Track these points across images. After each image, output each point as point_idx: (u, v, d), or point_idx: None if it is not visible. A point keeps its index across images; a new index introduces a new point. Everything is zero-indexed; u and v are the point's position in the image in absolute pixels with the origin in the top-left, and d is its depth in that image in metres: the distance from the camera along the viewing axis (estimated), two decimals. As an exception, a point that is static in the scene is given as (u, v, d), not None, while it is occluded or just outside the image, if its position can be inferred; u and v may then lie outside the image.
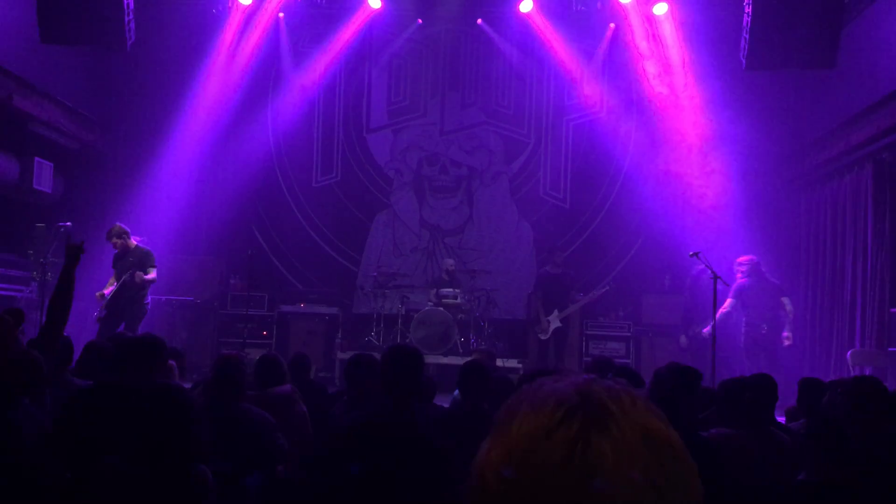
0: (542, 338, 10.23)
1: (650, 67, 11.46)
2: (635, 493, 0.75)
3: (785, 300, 9.07)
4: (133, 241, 8.52)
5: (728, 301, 8.91)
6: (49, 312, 3.91)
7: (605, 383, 0.84)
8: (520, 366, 10.19)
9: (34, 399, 3.37)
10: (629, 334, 10.81)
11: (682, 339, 9.81)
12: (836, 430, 3.00)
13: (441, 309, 10.48)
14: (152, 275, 8.41)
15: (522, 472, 0.77)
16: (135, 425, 2.55)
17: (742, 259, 9.20)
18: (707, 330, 8.58)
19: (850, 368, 8.67)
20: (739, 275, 9.08)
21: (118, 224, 8.56)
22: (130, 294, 8.30)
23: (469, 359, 5.19)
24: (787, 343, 8.96)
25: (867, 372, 8.74)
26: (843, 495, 2.82)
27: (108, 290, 8.31)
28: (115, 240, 8.39)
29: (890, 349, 8.29)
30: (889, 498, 2.87)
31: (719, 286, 7.87)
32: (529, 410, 0.81)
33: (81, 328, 8.51)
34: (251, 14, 11.65)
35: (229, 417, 3.70)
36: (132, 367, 3.69)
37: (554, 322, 10.12)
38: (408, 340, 10.55)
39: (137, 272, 8.22)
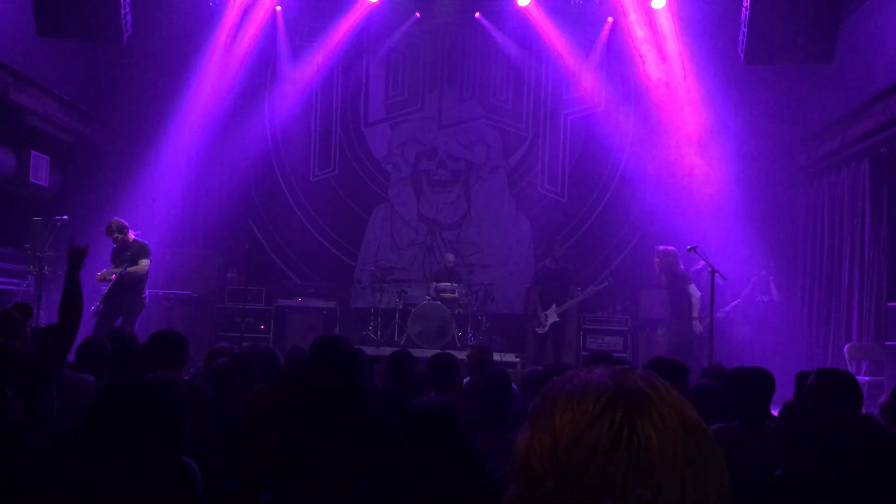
0: (539, 332, 10.21)
1: (648, 62, 11.45)
2: (678, 473, 0.82)
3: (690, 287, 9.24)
4: (131, 236, 8.51)
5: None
6: (61, 317, 3.88)
7: (639, 372, 0.90)
8: (517, 360, 10.19)
9: (21, 392, 3.36)
10: (626, 328, 10.82)
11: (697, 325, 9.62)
12: (810, 424, 3.00)
13: (439, 303, 10.49)
14: (137, 267, 8.30)
15: (572, 458, 0.83)
16: (131, 421, 2.54)
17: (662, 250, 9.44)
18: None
19: (848, 363, 8.69)
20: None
21: (117, 219, 8.53)
22: (128, 288, 8.28)
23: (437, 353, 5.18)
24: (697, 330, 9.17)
25: (864, 366, 8.76)
26: (816, 490, 2.82)
27: (105, 284, 8.28)
28: (115, 235, 8.37)
29: (887, 343, 8.30)
30: (859, 492, 2.87)
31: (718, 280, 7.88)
32: (569, 400, 0.87)
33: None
34: (248, 7, 11.62)
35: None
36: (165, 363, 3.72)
37: (552, 317, 10.10)
38: (405, 335, 10.56)
39: (128, 269, 8.20)
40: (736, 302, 9.82)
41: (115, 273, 8.18)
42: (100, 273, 8.29)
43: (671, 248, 9.38)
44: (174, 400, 2.64)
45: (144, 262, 8.36)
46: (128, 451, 2.47)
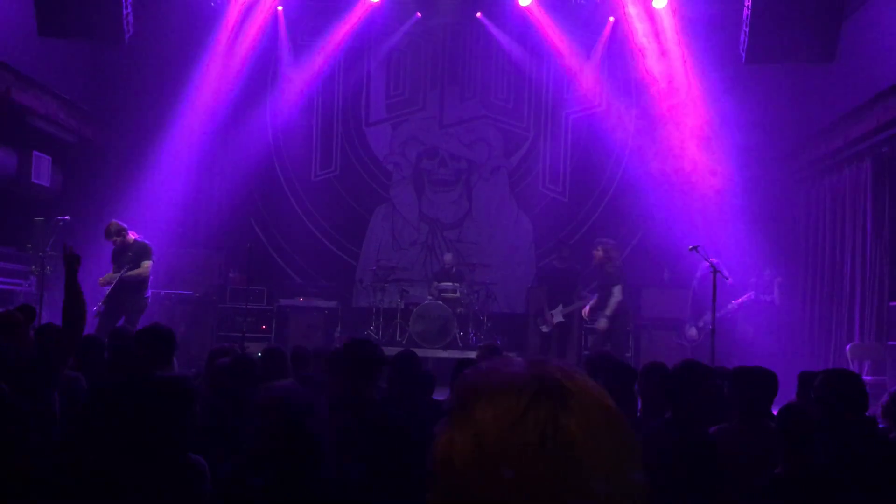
0: (544, 330, 10.11)
1: (650, 61, 11.44)
2: (603, 467, 0.82)
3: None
4: (132, 236, 8.51)
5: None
6: (65, 319, 3.90)
7: (555, 363, 0.89)
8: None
9: (24, 393, 3.36)
10: (629, 329, 10.80)
11: (692, 330, 9.67)
12: (807, 423, 3.00)
13: (440, 303, 10.48)
14: (140, 269, 8.32)
15: (495, 457, 0.81)
16: (141, 419, 2.55)
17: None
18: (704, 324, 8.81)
19: (850, 362, 8.68)
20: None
21: (115, 221, 8.52)
22: (130, 289, 8.29)
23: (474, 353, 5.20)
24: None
25: (866, 366, 8.75)
26: (814, 489, 2.82)
27: (107, 286, 8.28)
28: (114, 237, 8.37)
29: (889, 343, 8.29)
30: (857, 494, 2.87)
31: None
32: (490, 397, 0.85)
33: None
34: (250, 7, 11.62)
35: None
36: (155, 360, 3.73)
37: (557, 316, 10.00)
38: (407, 334, 10.56)
39: (131, 272, 8.21)
40: (743, 299, 9.70)
41: (117, 275, 8.18)
42: (102, 277, 8.30)
43: (612, 242, 9.62)
44: (185, 398, 2.64)
45: (146, 264, 8.36)
46: (135, 449, 2.48)
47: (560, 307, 9.99)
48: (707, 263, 8.35)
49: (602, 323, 9.33)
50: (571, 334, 10.35)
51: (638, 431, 3.98)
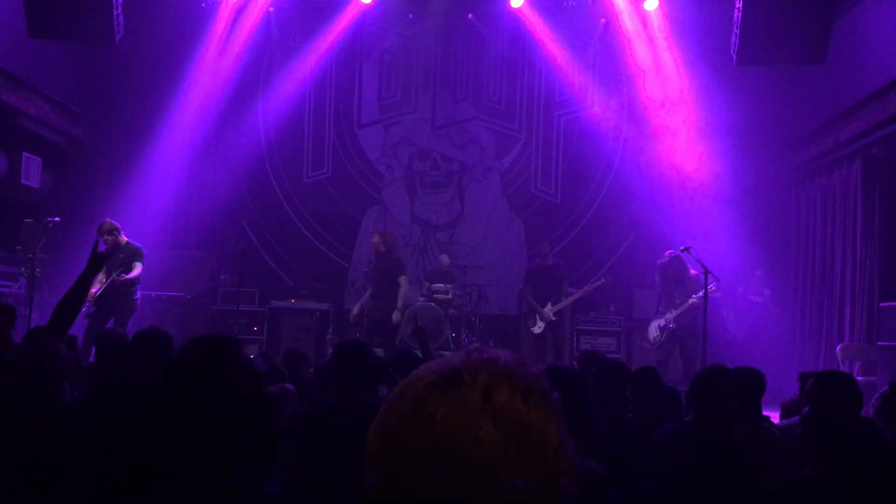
0: (536, 332, 10.14)
1: (641, 62, 11.47)
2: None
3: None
4: (124, 238, 8.48)
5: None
6: (58, 312, 3.84)
7: (486, 351, 0.93)
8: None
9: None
10: (620, 329, 10.83)
11: (654, 331, 9.27)
12: (835, 423, 3.00)
13: (432, 304, 10.48)
14: (134, 272, 8.30)
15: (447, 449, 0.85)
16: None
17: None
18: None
19: (840, 363, 8.71)
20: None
21: (108, 220, 8.49)
22: (120, 291, 8.26)
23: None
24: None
25: (857, 366, 8.78)
26: (843, 489, 2.82)
27: (97, 287, 8.25)
28: (105, 237, 8.32)
29: (879, 343, 8.32)
30: (865, 492, 2.87)
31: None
32: (434, 386, 0.89)
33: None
34: (241, 8, 11.59)
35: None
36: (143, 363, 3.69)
37: (548, 314, 10.04)
38: (399, 336, 10.54)
39: (122, 275, 8.18)
40: (701, 293, 9.33)
41: (108, 280, 8.15)
42: (90, 291, 8.25)
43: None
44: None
45: (137, 266, 8.34)
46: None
47: (549, 305, 10.02)
48: (673, 255, 8.39)
49: (395, 316, 9.45)
50: (564, 333, 10.36)
51: (629, 432, 3.98)
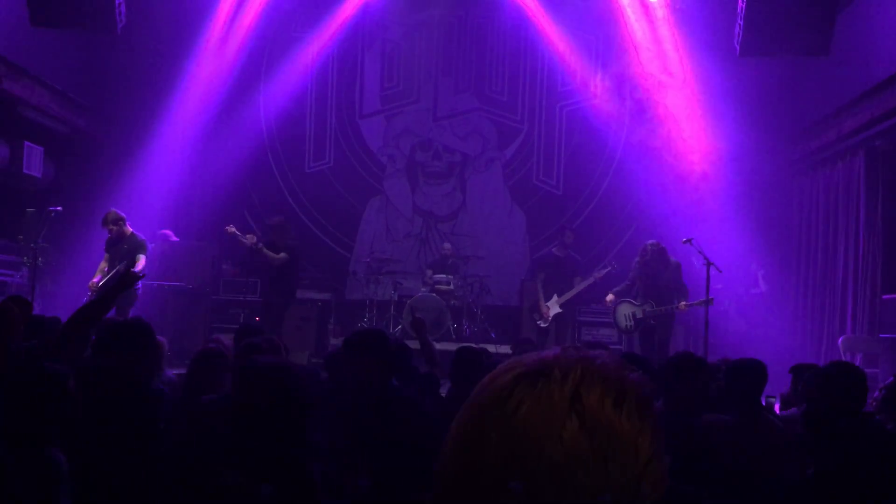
0: (542, 325, 9.92)
1: (644, 53, 11.43)
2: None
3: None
4: (128, 229, 8.48)
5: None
6: (75, 322, 3.84)
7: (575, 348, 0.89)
8: (512, 352, 10.15)
9: None
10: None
11: (628, 321, 8.98)
12: (831, 421, 3.00)
13: (434, 295, 10.48)
14: (137, 266, 8.31)
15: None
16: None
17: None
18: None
19: (842, 354, 8.71)
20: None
21: (114, 210, 8.49)
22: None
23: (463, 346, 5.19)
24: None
25: (858, 358, 8.78)
26: (846, 486, 2.82)
27: (98, 277, 8.26)
28: (110, 226, 8.33)
29: (881, 335, 8.33)
30: (861, 490, 2.87)
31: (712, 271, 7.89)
32: (530, 388, 0.84)
33: (70, 312, 8.46)
34: (243, -2, 11.58)
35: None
36: (117, 351, 3.66)
37: (553, 308, 9.87)
38: (400, 326, 10.56)
39: (128, 269, 8.18)
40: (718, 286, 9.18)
41: (109, 274, 8.15)
42: (92, 281, 8.25)
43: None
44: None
45: (142, 260, 8.35)
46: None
47: (555, 297, 9.86)
48: (655, 246, 8.35)
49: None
50: (568, 325, 10.24)
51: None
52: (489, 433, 0.81)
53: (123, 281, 4.01)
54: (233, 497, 2.47)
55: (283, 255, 8.78)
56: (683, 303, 8.38)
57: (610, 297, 8.89)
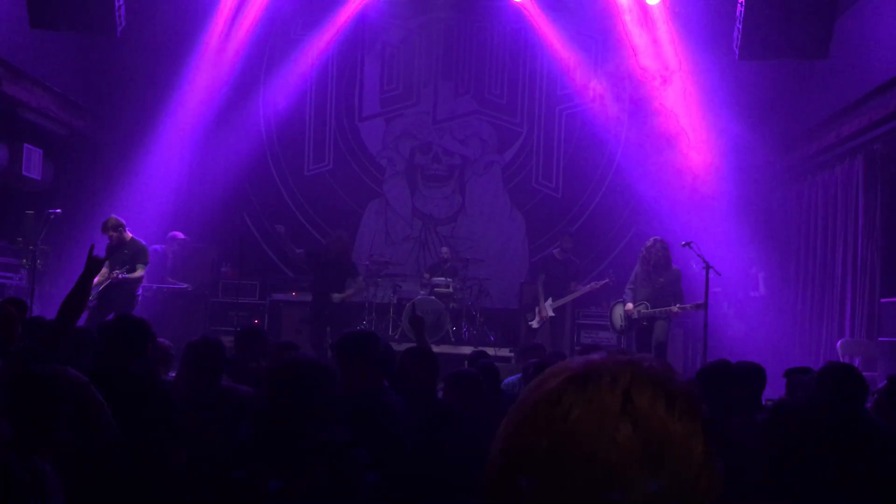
0: (534, 326, 10.10)
1: (643, 56, 11.44)
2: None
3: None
4: (128, 234, 8.48)
5: None
6: (62, 314, 3.86)
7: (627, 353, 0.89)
8: (511, 355, 10.17)
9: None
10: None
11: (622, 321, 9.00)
12: (799, 420, 3.00)
13: (433, 298, 10.48)
14: (136, 273, 8.31)
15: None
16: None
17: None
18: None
19: (841, 358, 8.70)
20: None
21: (114, 216, 8.49)
22: (122, 286, 8.27)
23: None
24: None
25: (857, 362, 8.78)
26: (808, 485, 2.82)
27: (97, 280, 8.25)
28: (110, 232, 8.33)
29: (880, 339, 8.32)
30: (855, 487, 2.87)
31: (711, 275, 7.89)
32: (581, 390, 0.84)
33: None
34: (243, 0, 11.57)
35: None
36: (114, 351, 3.67)
37: (548, 311, 9.97)
38: (399, 329, 10.56)
39: (121, 275, 8.17)
40: (717, 290, 9.19)
41: (109, 279, 8.14)
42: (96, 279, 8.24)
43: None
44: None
45: (141, 269, 8.35)
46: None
47: (550, 300, 9.97)
48: (658, 241, 8.34)
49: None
50: (563, 328, 10.32)
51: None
52: (539, 439, 0.81)
53: (89, 267, 4.01)
54: (241, 492, 2.47)
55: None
56: (678, 305, 8.39)
57: (629, 306, 8.78)
